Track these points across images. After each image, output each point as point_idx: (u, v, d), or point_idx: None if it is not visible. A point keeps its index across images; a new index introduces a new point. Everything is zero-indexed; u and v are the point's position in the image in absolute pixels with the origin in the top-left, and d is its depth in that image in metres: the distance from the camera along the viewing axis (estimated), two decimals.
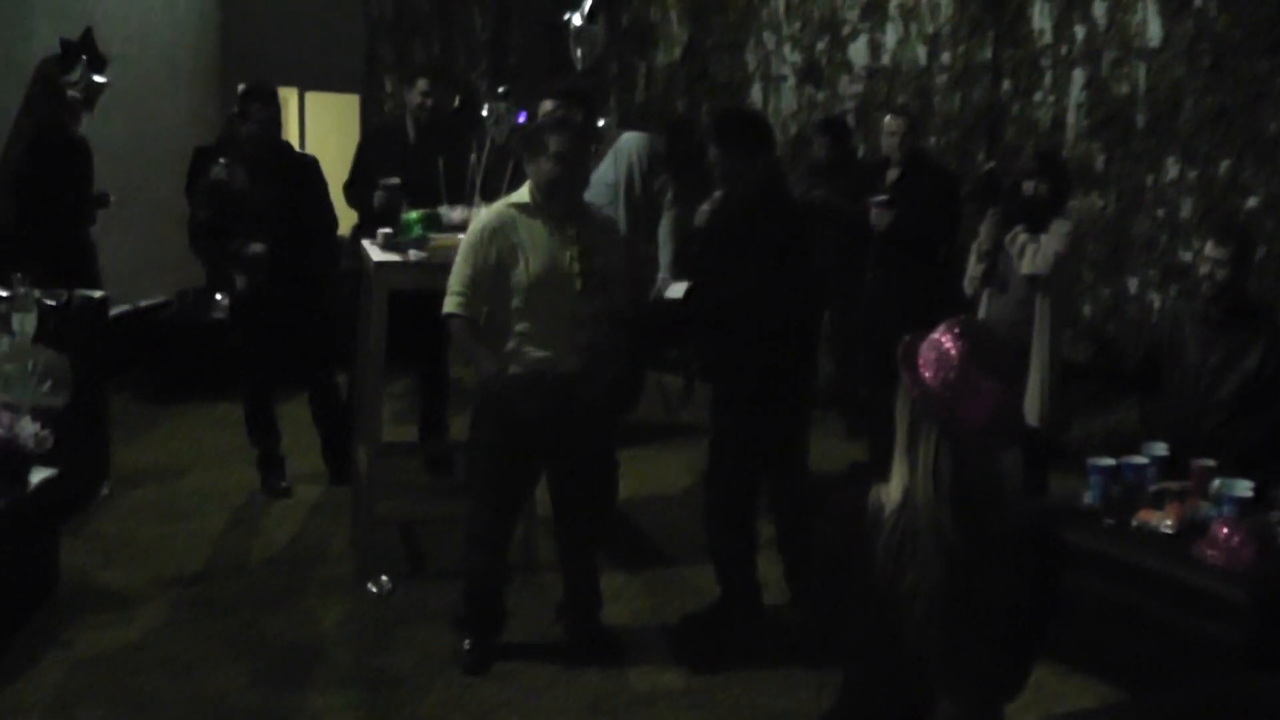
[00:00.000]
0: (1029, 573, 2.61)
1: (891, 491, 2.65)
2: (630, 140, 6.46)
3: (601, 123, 7.12)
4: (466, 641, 5.01)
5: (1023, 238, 6.09)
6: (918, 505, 2.58)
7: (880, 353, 4.84)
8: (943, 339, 2.66)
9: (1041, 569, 2.65)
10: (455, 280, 4.76)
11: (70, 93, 7.24)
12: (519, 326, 4.74)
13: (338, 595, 5.68)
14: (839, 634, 2.78)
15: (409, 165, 7.00)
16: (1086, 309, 7.92)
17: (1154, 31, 7.47)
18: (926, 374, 2.64)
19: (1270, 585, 4.57)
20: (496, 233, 4.75)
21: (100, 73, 7.37)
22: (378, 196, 6.79)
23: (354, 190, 7.30)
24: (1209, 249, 5.65)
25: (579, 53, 8.33)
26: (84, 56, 7.44)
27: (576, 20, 8.49)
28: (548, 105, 6.19)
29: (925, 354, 2.68)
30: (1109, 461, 5.32)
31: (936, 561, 2.54)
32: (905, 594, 2.56)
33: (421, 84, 7.43)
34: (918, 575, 2.55)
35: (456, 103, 8.11)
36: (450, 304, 4.75)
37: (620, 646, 5.17)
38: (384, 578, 5.71)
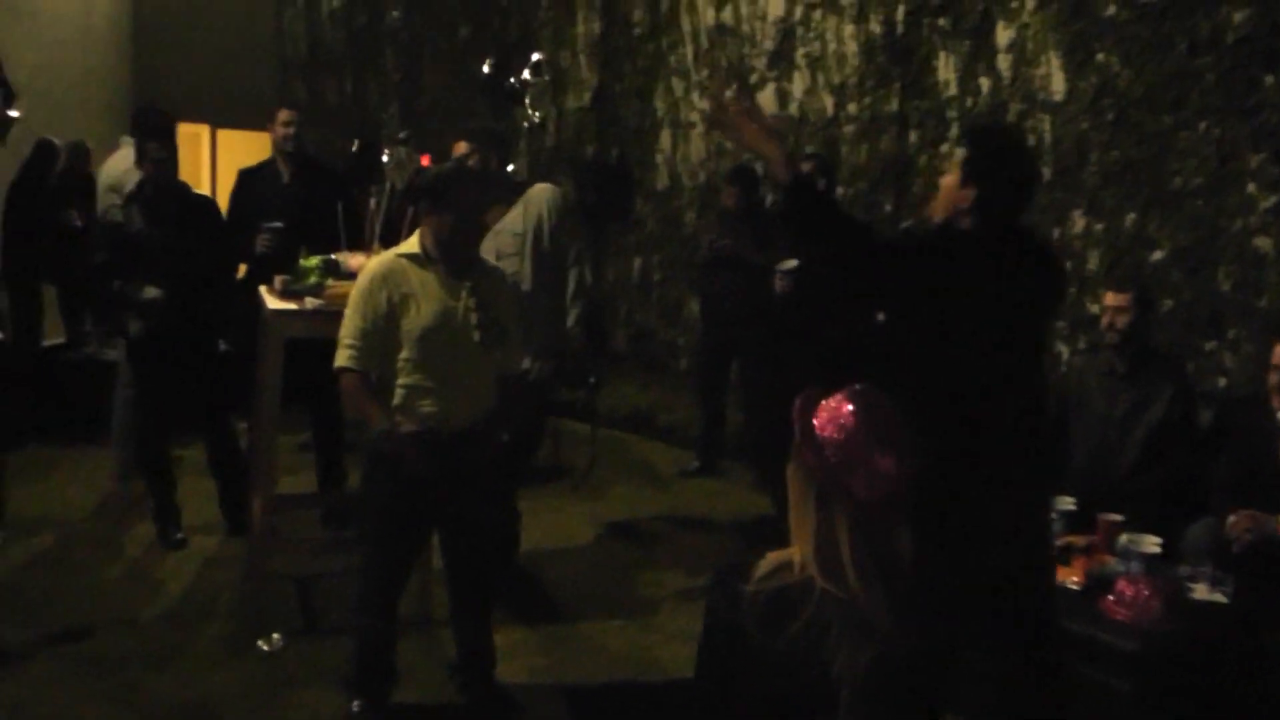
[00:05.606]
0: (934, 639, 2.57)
1: (797, 564, 2.59)
2: (540, 191, 6.38)
3: (510, 168, 7.04)
4: (356, 703, 4.86)
5: None
6: (849, 590, 2.50)
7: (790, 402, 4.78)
8: (840, 403, 2.62)
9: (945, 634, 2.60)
10: (346, 332, 4.61)
11: None
12: (409, 380, 4.59)
13: (228, 652, 5.53)
14: (731, 704, 2.71)
15: (285, 207, 6.89)
16: None
17: (1058, 85, 7.55)
18: (827, 433, 2.58)
19: (1177, 641, 4.54)
20: (386, 280, 4.59)
21: (10, 105, 7.22)
22: (260, 240, 6.68)
23: (231, 234, 7.02)
24: (1108, 298, 5.72)
25: (529, 103, 8.28)
26: None
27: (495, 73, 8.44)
28: (463, 148, 6.10)
29: (821, 413, 2.63)
30: None
31: (866, 648, 2.47)
32: (832, 678, 2.48)
33: (284, 115, 7.23)
34: (846, 661, 2.47)
35: (356, 147, 7.98)
36: (342, 357, 4.59)
37: (516, 706, 5.05)
38: (275, 635, 5.57)
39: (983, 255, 3.70)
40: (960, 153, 3.81)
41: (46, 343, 9.85)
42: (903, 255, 3.77)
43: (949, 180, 3.80)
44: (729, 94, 3.67)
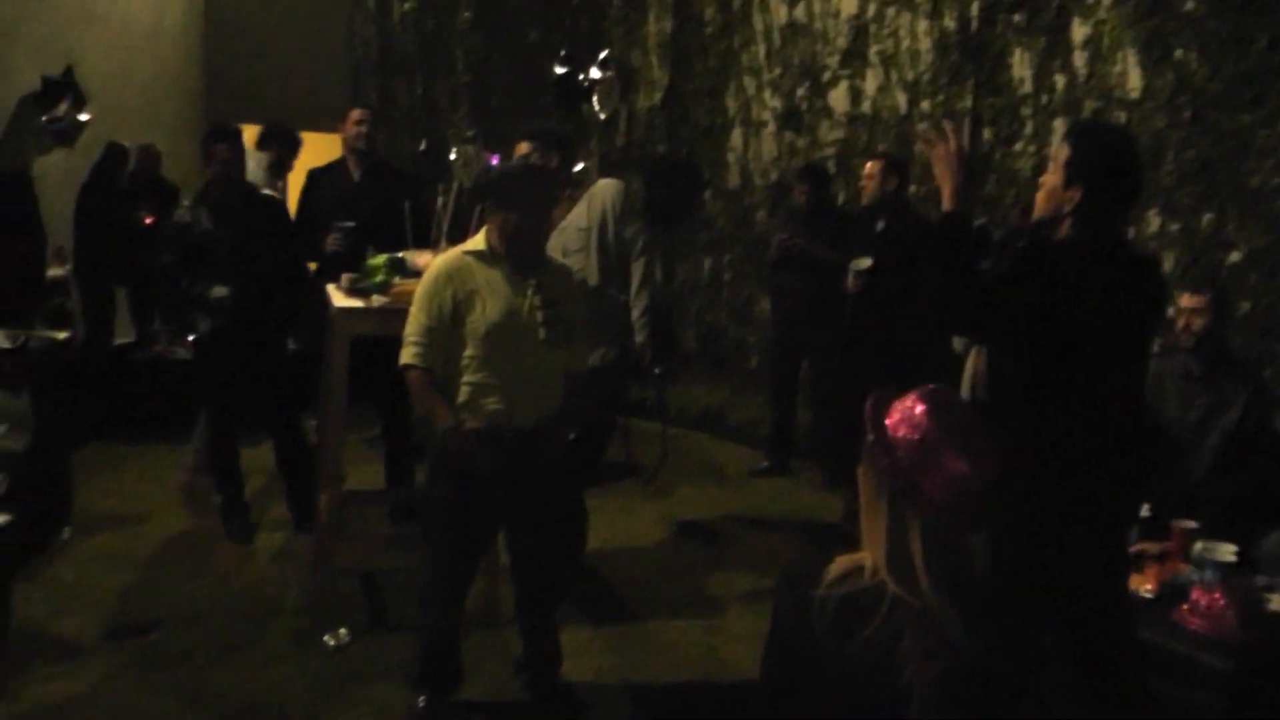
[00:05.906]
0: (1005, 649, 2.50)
1: (868, 568, 2.52)
2: (604, 186, 6.35)
3: (581, 166, 7.02)
4: (421, 699, 4.86)
5: None
6: (921, 597, 2.44)
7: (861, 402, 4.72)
8: (913, 403, 2.55)
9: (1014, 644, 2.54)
10: (411, 329, 4.60)
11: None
12: (474, 377, 4.56)
13: (294, 648, 5.53)
14: (798, 708, 2.64)
15: (354, 206, 6.90)
16: None
17: (1134, 82, 7.42)
18: (900, 434, 2.52)
19: (1254, 653, 4.43)
20: (452, 278, 4.57)
21: (81, 110, 7.30)
22: (332, 239, 6.69)
23: (301, 234, 7.09)
24: (1184, 300, 5.60)
25: (597, 102, 8.25)
26: (67, 94, 7.40)
27: (566, 71, 8.38)
28: (524, 148, 6.09)
29: (894, 414, 2.57)
30: None
31: (937, 656, 2.41)
32: (901, 689, 2.42)
33: (356, 114, 7.31)
34: (916, 670, 2.41)
35: (422, 146, 7.99)
36: (407, 354, 4.57)
37: (581, 704, 5.02)
38: (342, 630, 5.58)
39: (1085, 271, 3.61)
40: (1064, 152, 3.70)
41: (117, 341, 9.93)
42: (1004, 297, 3.69)
43: (1052, 180, 3.71)
44: (949, 126, 3.71)
